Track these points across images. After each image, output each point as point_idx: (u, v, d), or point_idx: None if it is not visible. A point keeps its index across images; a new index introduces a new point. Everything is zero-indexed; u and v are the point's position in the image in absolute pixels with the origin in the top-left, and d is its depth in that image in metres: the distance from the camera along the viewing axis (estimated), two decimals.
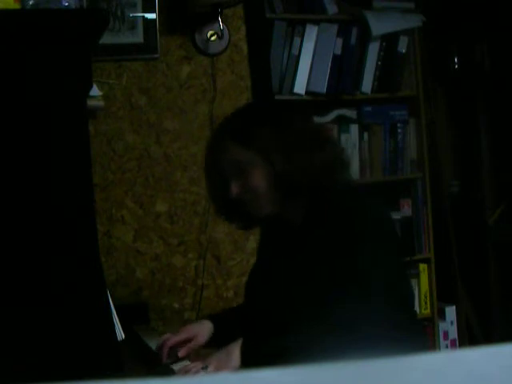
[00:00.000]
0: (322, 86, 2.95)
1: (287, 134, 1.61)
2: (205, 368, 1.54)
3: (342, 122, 3.08)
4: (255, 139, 1.59)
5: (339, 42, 2.99)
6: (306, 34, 2.92)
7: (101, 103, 2.47)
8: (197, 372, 1.54)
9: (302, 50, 2.92)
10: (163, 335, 1.79)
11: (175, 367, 1.69)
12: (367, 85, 3.07)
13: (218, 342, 1.80)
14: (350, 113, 3.11)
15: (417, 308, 3.11)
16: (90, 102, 2.21)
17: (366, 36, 3.04)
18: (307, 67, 2.93)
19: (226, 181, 1.62)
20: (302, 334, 1.52)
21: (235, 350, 1.55)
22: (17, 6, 1.59)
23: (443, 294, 3.29)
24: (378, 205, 1.68)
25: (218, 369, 1.53)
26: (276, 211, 1.63)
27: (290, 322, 1.60)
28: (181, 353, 1.72)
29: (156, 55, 2.61)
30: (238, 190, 1.61)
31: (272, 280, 1.72)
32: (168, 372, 1.67)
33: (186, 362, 1.72)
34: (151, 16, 2.59)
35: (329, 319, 1.51)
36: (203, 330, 1.76)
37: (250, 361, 1.55)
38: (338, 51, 2.98)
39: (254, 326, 1.73)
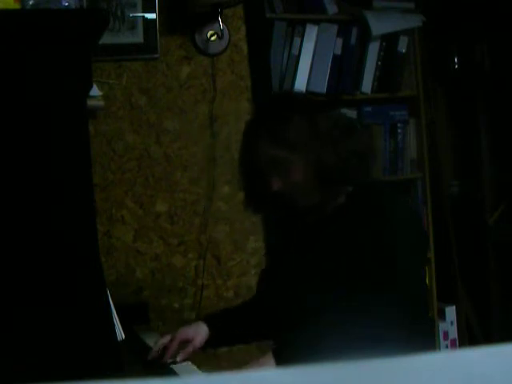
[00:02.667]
0: (322, 86, 2.95)
1: (319, 126, 1.63)
2: None
3: None
4: (289, 137, 1.61)
5: (339, 41, 2.98)
6: (306, 34, 2.92)
7: (101, 103, 2.47)
8: None
9: (302, 50, 2.92)
10: (160, 339, 1.79)
11: (175, 368, 1.70)
12: (367, 85, 3.07)
13: (213, 344, 1.80)
14: (350, 113, 3.10)
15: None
16: (90, 102, 2.21)
17: (366, 36, 3.04)
18: (307, 67, 2.93)
19: (265, 177, 1.64)
20: (309, 330, 1.54)
21: (271, 362, 1.54)
22: (17, 6, 1.59)
23: (443, 294, 3.29)
24: (407, 204, 1.70)
25: None
26: (315, 203, 1.65)
27: (300, 316, 1.61)
28: (179, 357, 1.72)
29: (156, 55, 2.61)
30: (278, 185, 1.63)
31: (284, 276, 1.74)
32: (168, 372, 1.67)
33: (188, 363, 1.72)
34: (151, 16, 2.58)
35: (336, 316, 1.53)
36: (199, 333, 1.76)
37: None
38: (338, 51, 2.98)
39: (267, 321, 1.74)
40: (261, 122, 1.68)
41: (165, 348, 1.74)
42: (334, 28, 2.97)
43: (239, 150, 1.75)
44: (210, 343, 1.78)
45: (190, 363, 1.72)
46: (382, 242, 1.56)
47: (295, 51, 2.92)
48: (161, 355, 1.73)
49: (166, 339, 1.75)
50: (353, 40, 3.01)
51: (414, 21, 3.10)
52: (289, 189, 1.62)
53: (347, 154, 1.62)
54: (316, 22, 2.95)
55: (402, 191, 3.20)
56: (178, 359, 1.72)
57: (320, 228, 1.69)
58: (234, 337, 1.84)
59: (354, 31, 3.01)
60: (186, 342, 1.74)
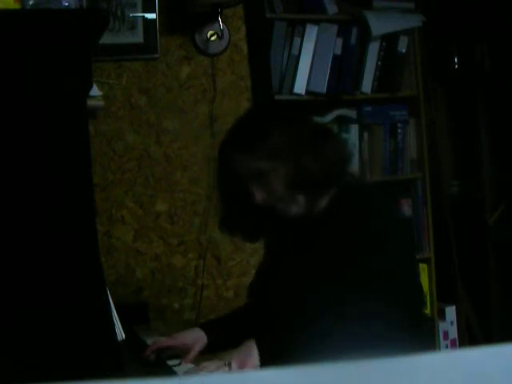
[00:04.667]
0: (322, 86, 2.95)
1: (297, 134, 1.65)
2: (228, 365, 1.53)
3: (342, 122, 3.08)
4: (268, 148, 1.62)
5: (339, 41, 2.98)
6: (306, 34, 2.92)
7: (101, 103, 2.47)
8: (218, 368, 1.53)
9: (302, 50, 2.92)
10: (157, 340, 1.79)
11: (175, 368, 1.70)
12: (367, 85, 3.07)
13: (211, 350, 1.80)
14: (350, 113, 3.10)
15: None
16: (90, 102, 2.21)
17: (366, 36, 3.04)
18: (307, 67, 2.93)
19: (248, 190, 1.64)
20: (308, 331, 1.54)
21: (254, 347, 1.55)
22: (17, 6, 1.59)
23: (443, 294, 3.28)
24: (393, 205, 1.72)
25: (241, 366, 1.52)
26: (299, 211, 1.65)
27: (298, 317, 1.62)
28: (183, 364, 1.72)
29: (156, 55, 2.61)
30: (262, 197, 1.64)
31: (283, 277, 1.74)
32: (168, 372, 1.66)
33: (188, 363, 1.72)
34: (151, 16, 2.59)
35: (336, 316, 1.53)
36: (199, 339, 1.76)
37: (270, 359, 1.55)
38: (338, 51, 2.98)
39: (264, 324, 1.74)
40: (237, 137, 1.68)
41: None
42: (334, 28, 2.97)
43: (216, 167, 1.75)
44: (207, 349, 1.78)
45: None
46: (368, 243, 1.57)
47: (295, 51, 2.92)
48: (157, 356, 1.74)
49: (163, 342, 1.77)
50: (353, 40, 3.01)
51: (414, 21, 3.10)
52: (273, 199, 1.63)
53: (326, 158, 1.64)
54: (316, 21, 2.95)
55: (401, 191, 3.20)
56: (184, 363, 1.72)
57: (309, 232, 1.69)
58: (231, 342, 1.84)
59: (354, 31, 3.01)
60: (184, 347, 1.75)
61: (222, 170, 1.72)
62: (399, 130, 3.18)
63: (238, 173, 1.64)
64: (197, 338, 1.76)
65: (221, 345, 1.81)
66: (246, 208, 1.68)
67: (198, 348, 1.75)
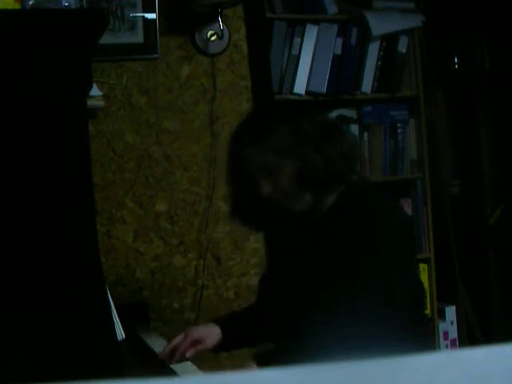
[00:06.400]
0: (322, 86, 2.95)
1: (304, 131, 1.65)
2: None
3: (342, 122, 3.08)
4: (276, 143, 1.64)
5: (339, 41, 2.98)
6: (305, 34, 2.92)
7: (101, 103, 2.47)
8: None
9: (302, 50, 2.92)
10: (171, 340, 1.78)
11: (175, 368, 1.70)
12: (367, 85, 3.07)
13: (225, 347, 1.80)
14: (350, 113, 3.10)
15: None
16: (90, 102, 2.21)
17: (366, 36, 3.04)
18: (307, 67, 2.93)
19: (254, 183, 1.65)
20: (306, 329, 1.54)
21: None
22: (17, 6, 1.59)
23: (443, 294, 3.29)
24: (396, 205, 1.73)
25: None
26: (307, 206, 1.65)
27: (302, 315, 1.62)
28: (189, 353, 1.72)
29: (156, 55, 2.61)
30: (268, 190, 1.65)
31: (288, 276, 1.74)
32: (168, 372, 1.67)
33: (187, 363, 1.72)
34: (151, 16, 2.58)
35: (335, 315, 1.53)
36: (212, 333, 1.76)
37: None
38: (338, 51, 2.98)
39: (268, 324, 1.74)
40: (246, 131, 1.70)
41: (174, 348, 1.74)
42: (334, 28, 2.97)
43: (226, 159, 1.76)
44: (221, 347, 1.77)
45: (190, 363, 1.72)
46: (370, 242, 1.57)
47: (295, 51, 2.92)
48: (171, 354, 1.73)
49: (178, 339, 1.75)
50: (353, 40, 3.01)
51: (414, 21, 3.10)
52: (279, 194, 1.64)
53: (333, 156, 1.64)
54: (316, 22, 2.94)
55: (401, 191, 3.20)
56: (188, 355, 1.72)
57: (313, 230, 1.69)
58: (245, 340, 1.83)
59: (354, 31, 3.01)
60: (197, 342, 1.74)
61: (231, 162, 1.73)
62: (399, 130, 3.18)
63: (246, 166, 1.66)
64: (210, 333, 1.76)
65: (236, 342, 1.81)
66: (253, 200, 1.68)
67: (209, 343, 1.74)
